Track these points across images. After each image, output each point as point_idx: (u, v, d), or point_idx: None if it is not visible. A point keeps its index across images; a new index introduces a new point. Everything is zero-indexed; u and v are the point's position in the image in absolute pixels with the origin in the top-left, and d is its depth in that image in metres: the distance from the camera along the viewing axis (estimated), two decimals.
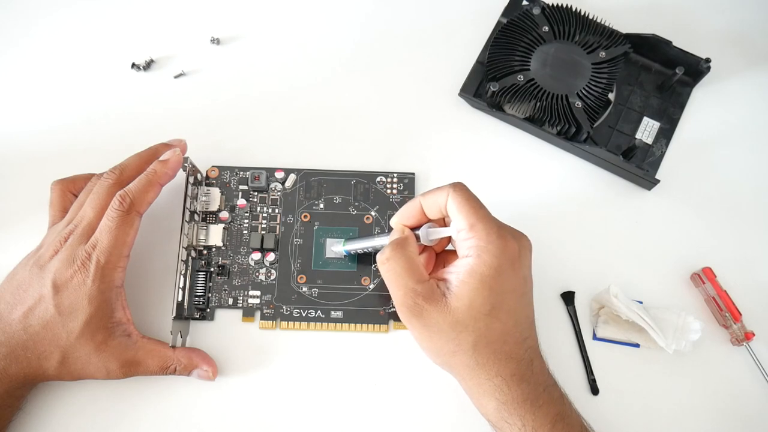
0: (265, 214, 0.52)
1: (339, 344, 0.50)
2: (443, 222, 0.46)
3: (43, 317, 0.43)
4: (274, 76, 0.56)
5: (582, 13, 0.54)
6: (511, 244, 0.42)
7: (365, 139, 0.54)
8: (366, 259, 0.51)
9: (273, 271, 0.51)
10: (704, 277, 0.50)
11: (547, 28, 0.54)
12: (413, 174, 0.53)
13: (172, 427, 0.48)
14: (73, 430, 0.47)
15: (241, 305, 0.50)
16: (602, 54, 0.53)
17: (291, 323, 0.50)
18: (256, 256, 0.50)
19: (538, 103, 0.52)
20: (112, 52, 0.57)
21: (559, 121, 0.52)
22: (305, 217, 0.52)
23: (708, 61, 0.53)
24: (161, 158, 0.47)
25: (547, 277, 0.50)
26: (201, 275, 0.50)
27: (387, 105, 0.55)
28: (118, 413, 0.48)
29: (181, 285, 0.48)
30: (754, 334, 0.49)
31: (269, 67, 0.57)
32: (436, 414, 0.48)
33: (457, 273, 0.42)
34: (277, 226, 0.52)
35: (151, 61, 0.56)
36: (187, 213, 0.49)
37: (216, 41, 0.57)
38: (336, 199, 0.52)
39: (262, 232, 0.51)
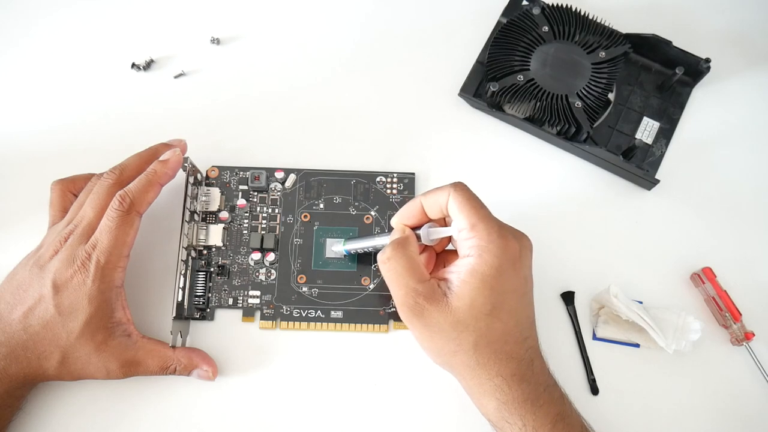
0: (265, 214, 0.52)
1: (339, 344, 0.50)
2: (444, 222, 0.46)
3: (43, 317, 0.43)
4: (274, 76, 0.56)
5: (582, 13, 0.54)
6: (512, 244, 0.42)
7: (365, 139, 0.54)
8: (366, 259, 0.51)
9: (273, 271, 0.51)
10: (704, 277, 0.50)
11: (547, 28, 0.54)
12: (413, 174, 0.53)
13: (172, 427, 0.48)
14: (73, 430, 0.47)
15: (241, 305, 0.50)
16: (602, 54, 0.53)
17: (291, 323, 0.50)
18: (256, 256, 0.50)
19: (538, 103, 0.52)
20: (112, 52, 0.57)
21: (559, 121, 0.52)
22: (305, 217, 0.52)
23: (708, 61, 0.53)
24: (161, 158, 0.47)
25: (547, 277, 0.50)
26: (201, 275, 0.50)
27: (387, 105, 0.55)
28: (118, 413, 0.48)
29: (181, 285, 0.48)
30: (754, 334, 0.49)
31: (269, 67, 0.57)
32: (436, 414, 0.48)
33: (458, 273, 0.42)
34: (277, 226, 0.52)
35: (151, 61, 0.56)
36: (187, 213, 0.49)
37: (216, 41, 0.57)
38: (336, 199, 0.52)
39: (262, 232, 0.51)
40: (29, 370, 0.44)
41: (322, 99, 0.56)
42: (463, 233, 0.42)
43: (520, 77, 0.53)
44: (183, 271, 0.48)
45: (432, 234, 0.44)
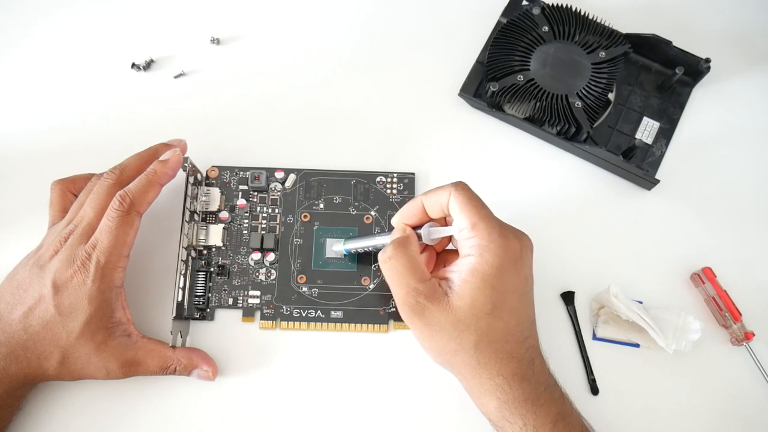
0: (265, 214, 0.52)
1: (339, 344, 0.50)
2: (444, 221, 0.46)
3: (43, 317, 0.43)
4: (274, 76, 0.56)
5: (582, 13, 0.54)
6: (513, 243, 0.42)
7: (365, 139, 0.54)
8: (366, 259, 0.51)
9: (273, 271, 0.51)
10: (704, 277, 0.50)
11: (546, 28, 0.54)
12: (413, 174, 0.53)
13: (172, 427, 0.48)
14: (73, 430, 0.47)
15: (241, 305, 0.50)
16: (602, 54, 0.53)
17: (291, 323, 0.50)
18: (256, 256, 0.50)
19: (538, 103, 0.52)
20: (112, 52, 0.57)
21: (559, 121, 0.52)
22: (305, 217, 0.52)
23: (708, 61, 0.53)
24: (161, 158, 0.47)
25: (547, 277, 0.50)
26: (201, 275, 0.50)
27: (387, 105, 0.55)
28: (118, 413, 0.48)
29: (181, 285, 0.48)
30: (754, 334, 0.49)
31: (269, 67, 0.57)
32: (436, 414, 0.48)
33: (458, 272, 0.42)
34: (277, 226, 0.51)
35: (151, 61, 0.56)
36: (187, 213, 0.49)
37: (216, 41, 0.57)
38: (336, 199, 0.52)
39: (262, 232, 0.51)
40: (29, 370, 0.44)
41: (322, 99, 0.56)
42: (464, 232, 0.42)
43: (520, 77, 0.53)
44: (183, 271, 0.48)
45: (433, 233, 0.44)
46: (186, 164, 0.49)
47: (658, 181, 0.52)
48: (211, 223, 0.51)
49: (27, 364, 0.44)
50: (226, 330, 0.50)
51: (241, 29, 0.57)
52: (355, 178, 0.53)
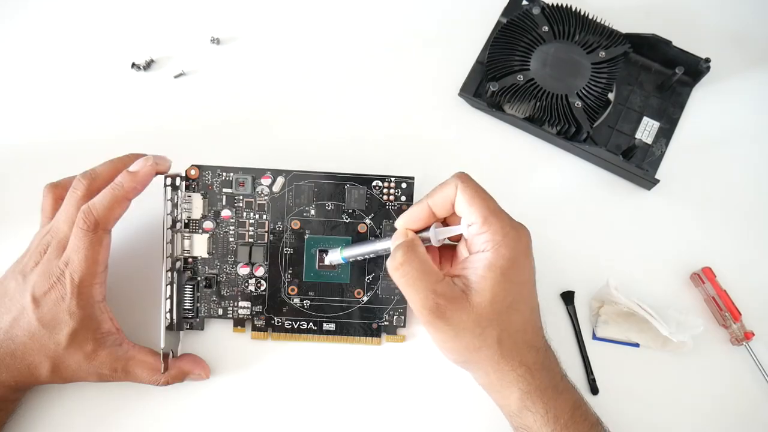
0: (252, 221, 0.49)
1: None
2: (445, 221, 0.45)
3: (28, 329, 0.43)
4: (274, 77, 0.56)
5: (582, 13, 0.54)
6: (523, 235, 0.42)
7: (364, 140, 0.54)
8: (359, 271, 0.49)
9: (263, 282, 0.49)
10: (704, 276, 0.50)
11: (546, 27, 0.54)
12: (412, 178, 0.49)
13: (168, 430, 0.48)
14: (69, 431, 0.48)
15: (231, 316, 0.49)
16: (602, 54, 0.53)
17: (283, 334, 0.49)
18: (244, 270, 0.48)
19: (538, 103, 0.52)
20: (112, 52, 0.56)
21: (559, 120, 0.52)
22: (295, 224, 0.49)
23: (708, 61, 0.53)
24: (130, 168, 0.44)
25: (547, 277, 0.50)
26: (188, 287, 0.48)
27: (386, 105, 0.55)
28: (115, 414, 0.48)
29: (168, 295, 0.47)
30: (753, 334, 0.49)
31: (269, 67, 0.57)
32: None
33: (473, 268, 0.42)
34: (266, 233, 0.49)
35: (151, 61, 0.56)
36: (169, 220, 0.47)
37: (216, 41, 0.57)
38: (328, 206, 0.49)
39: (250, 240, 0.49)
40: (20, 378, 0.44)
41: (322, 99, 0.56)
42: (474, 228, 0.42)
43: (520, 77, 0.53)
44: (169, 281, 0.47)
45: (440, 234, 0.44)
46: (167, 176, 0.47)
47: (658, 180, 0.52)
48: (195, 232, 0.49)
49: (17, 372, 0.44)
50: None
51: (241, 29, 0.57)
52: (348, 182, 0.49)
